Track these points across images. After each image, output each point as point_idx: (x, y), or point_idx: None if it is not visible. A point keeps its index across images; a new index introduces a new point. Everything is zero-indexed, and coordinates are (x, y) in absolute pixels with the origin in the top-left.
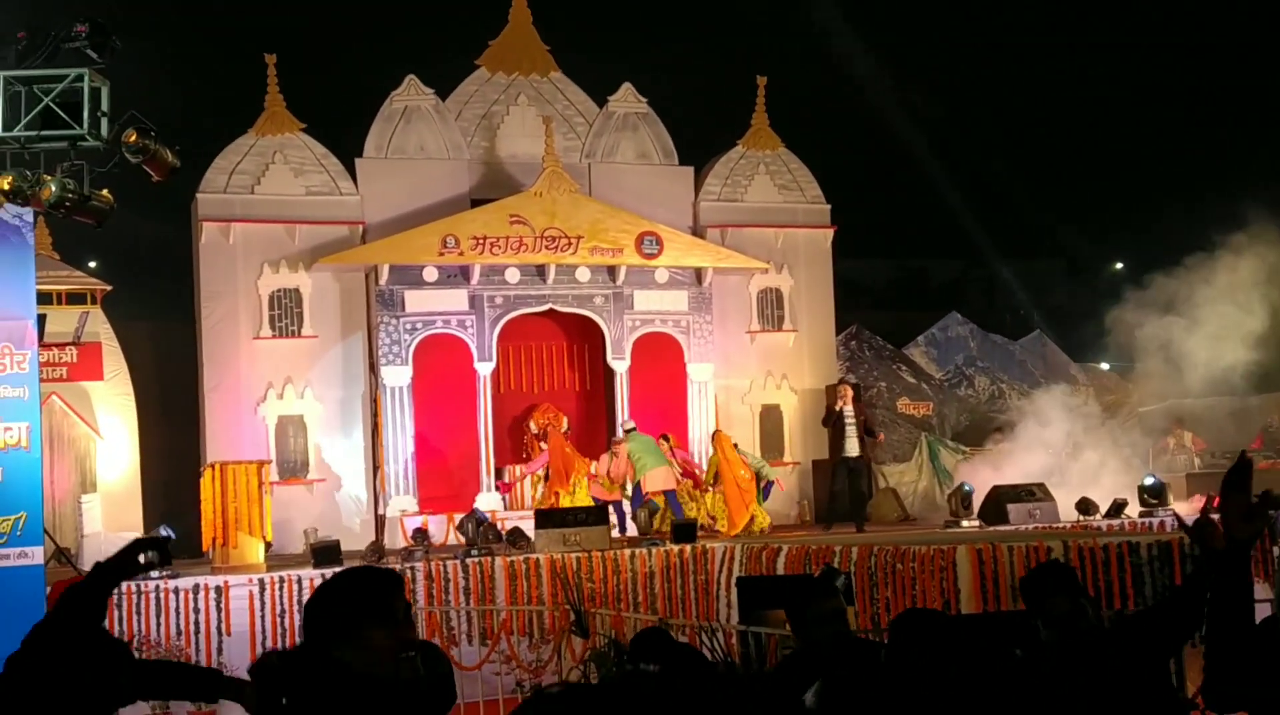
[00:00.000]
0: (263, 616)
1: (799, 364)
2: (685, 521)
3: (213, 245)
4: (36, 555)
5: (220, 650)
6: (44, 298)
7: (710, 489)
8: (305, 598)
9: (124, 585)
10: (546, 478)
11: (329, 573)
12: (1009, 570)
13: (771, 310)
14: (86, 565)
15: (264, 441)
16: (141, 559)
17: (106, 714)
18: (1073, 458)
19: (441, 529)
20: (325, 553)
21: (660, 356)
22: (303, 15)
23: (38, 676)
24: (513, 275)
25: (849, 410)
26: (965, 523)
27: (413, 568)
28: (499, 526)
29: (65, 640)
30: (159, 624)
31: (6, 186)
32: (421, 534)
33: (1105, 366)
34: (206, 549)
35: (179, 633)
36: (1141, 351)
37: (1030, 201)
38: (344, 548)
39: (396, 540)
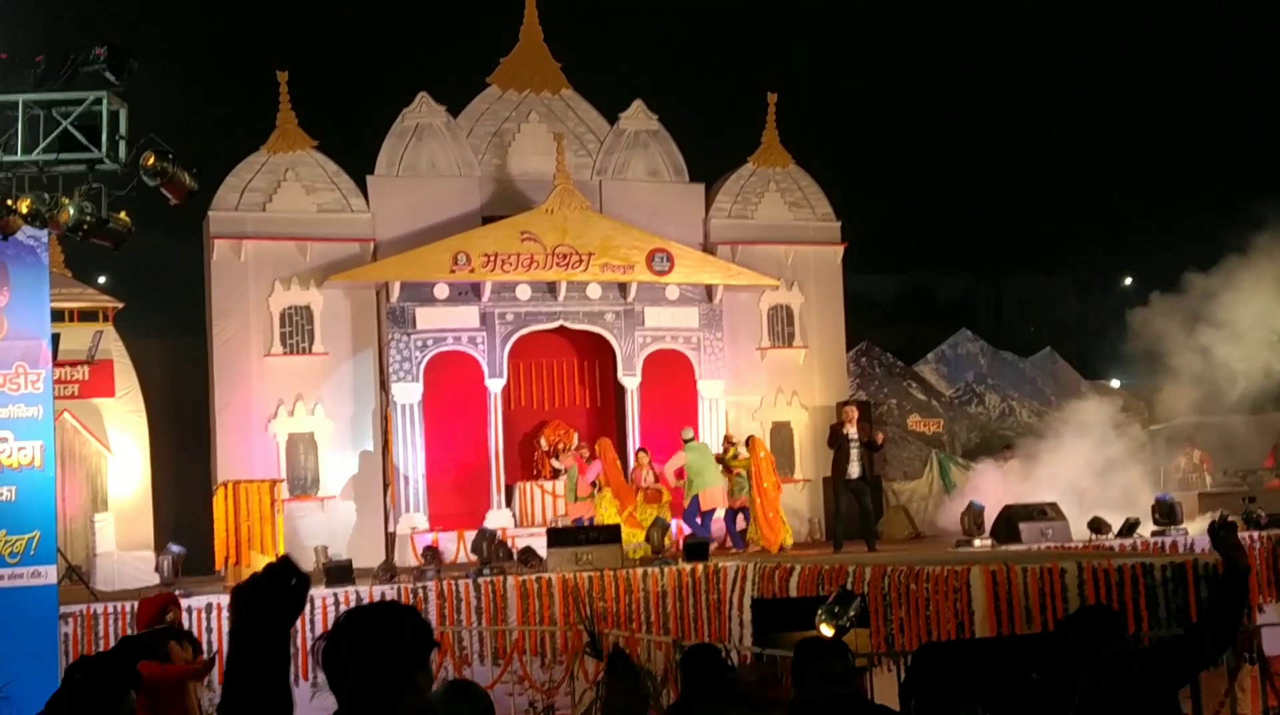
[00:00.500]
0: None
1: (809, 381)
2: (697, 541)
3: (224, 262)
4: (50, 574)
5: None
6: (56, 315)
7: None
8: (317, 618)
9: (136, 604)
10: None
11: (341, 592)
12: (1023, 592)
13: (782, 327)
14: (99, 584)
15: (275, 458)
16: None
17: None
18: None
19: (452, 546)
20: (338, 572)
21: (671, 373)
22: (315, 33)
23: None
24: (524, 292)
25: (853, 432)
26: (977, 542)
27: (425, 587)
28: (509, 544)
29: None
30: None
31: (25, 209)
32: (432, 551)
33: (1116, 384)
34: (219, 567)
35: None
36: (1153, 369)
37: (1041, 217)
38: (355, 566)
39: (407, 557)
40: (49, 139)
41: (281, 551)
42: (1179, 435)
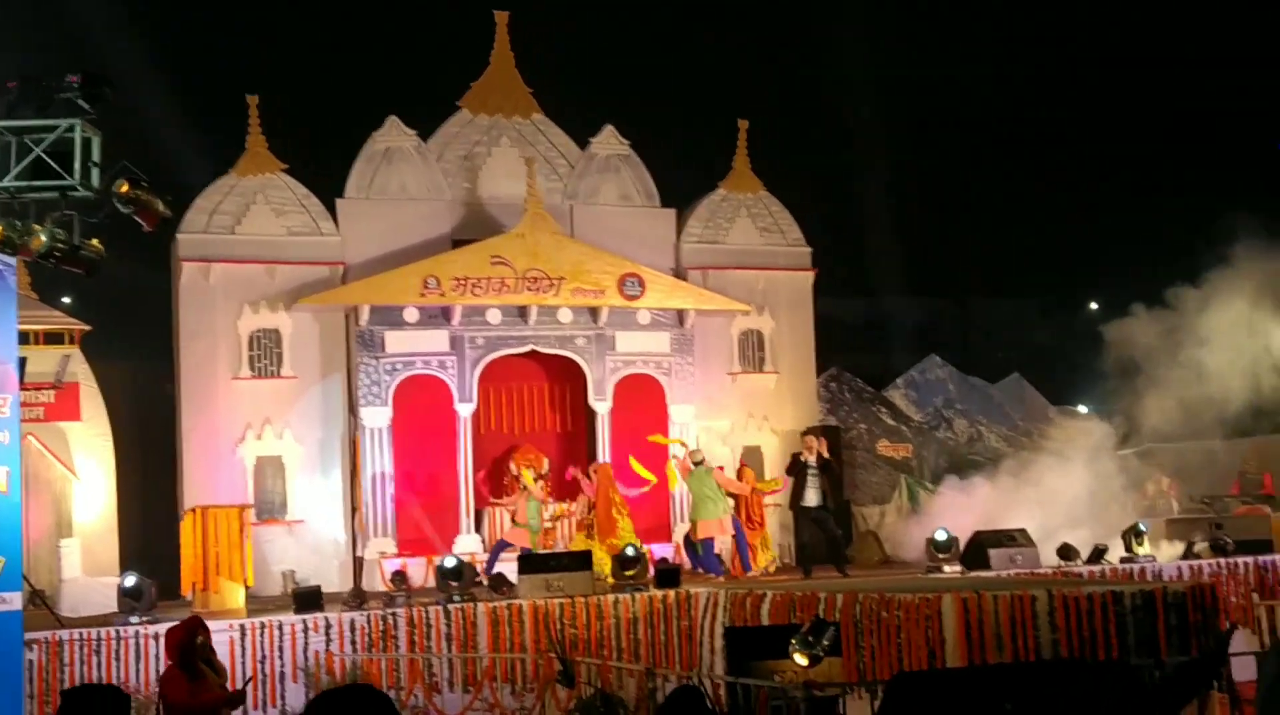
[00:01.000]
0: (243, 662)
1: (780, 406)
2: (669, 567)
3: (192, 285)
4: (15, 601)
5: None
6: (22, 337)
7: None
8: (286, 644)
9: (102, 631)
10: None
11: (310, 619)
12: (994, 620)
13: (753, 352)
14: (64, 610)
15: (242, 483)
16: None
17: None
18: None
19: (421, 571)
20: (306, 598)
21: (642, 398)
22: (285, 56)
23: None
24: (494, 316)
25: (812, 461)
26: (947, 568)
27: (395, 614)
28: (477, 569)
29: None
30: (139, 670)
31: None
32: (400, 576)
33: (1083, 409)
34: (186, 593)
35: (157, 679)
36: (1121, 394)
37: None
38: (323, 591)
39: (375, 582)
40: (21, 166)
41: (250, 577)
42: (1147, 461)
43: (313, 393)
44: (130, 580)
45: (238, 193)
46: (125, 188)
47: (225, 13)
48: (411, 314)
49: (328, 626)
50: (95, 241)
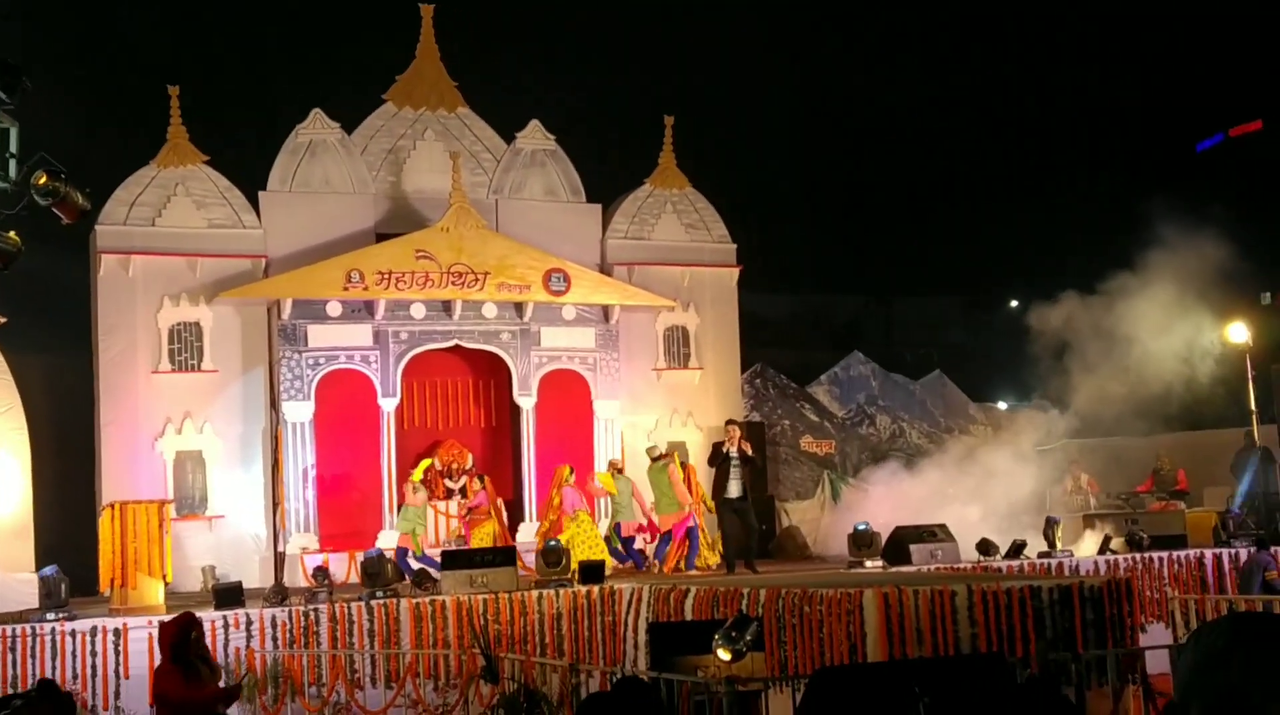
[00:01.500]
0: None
1: (705, 402)
2: (592, 561)
3: (111, 278)
4: None
5: (118, 694)
6: None
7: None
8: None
9: (18, 628)
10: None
11: (231, 615)
12: (914, 615)
13: (678, 348)
14: None
15: (161, 477)
16: None
17: None
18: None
19: (342, 567)
20: (227, 594)
21: (567, 393)
22: (207, 47)
23: None
24: (418, 311)
25: (734, 450)
26: (869, 563)
27: (317, 610)
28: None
29: None
30: (54, 667)
31: None
32: (322, 572)
33: (1003, 406)
34: (104, 590)
35: (75, 676)
36: (1040, 391)
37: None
38: (244, 586)
39: (297, 578)
40: None
41: (170, 573)
42: (1065, 456)
43: (234, 387)
44: (47, 575)
45: (158, 184)
46: (43, 179)
47: (146, 1)
48: (334, 308)
49: (249, 623)
50: (13, 233)
